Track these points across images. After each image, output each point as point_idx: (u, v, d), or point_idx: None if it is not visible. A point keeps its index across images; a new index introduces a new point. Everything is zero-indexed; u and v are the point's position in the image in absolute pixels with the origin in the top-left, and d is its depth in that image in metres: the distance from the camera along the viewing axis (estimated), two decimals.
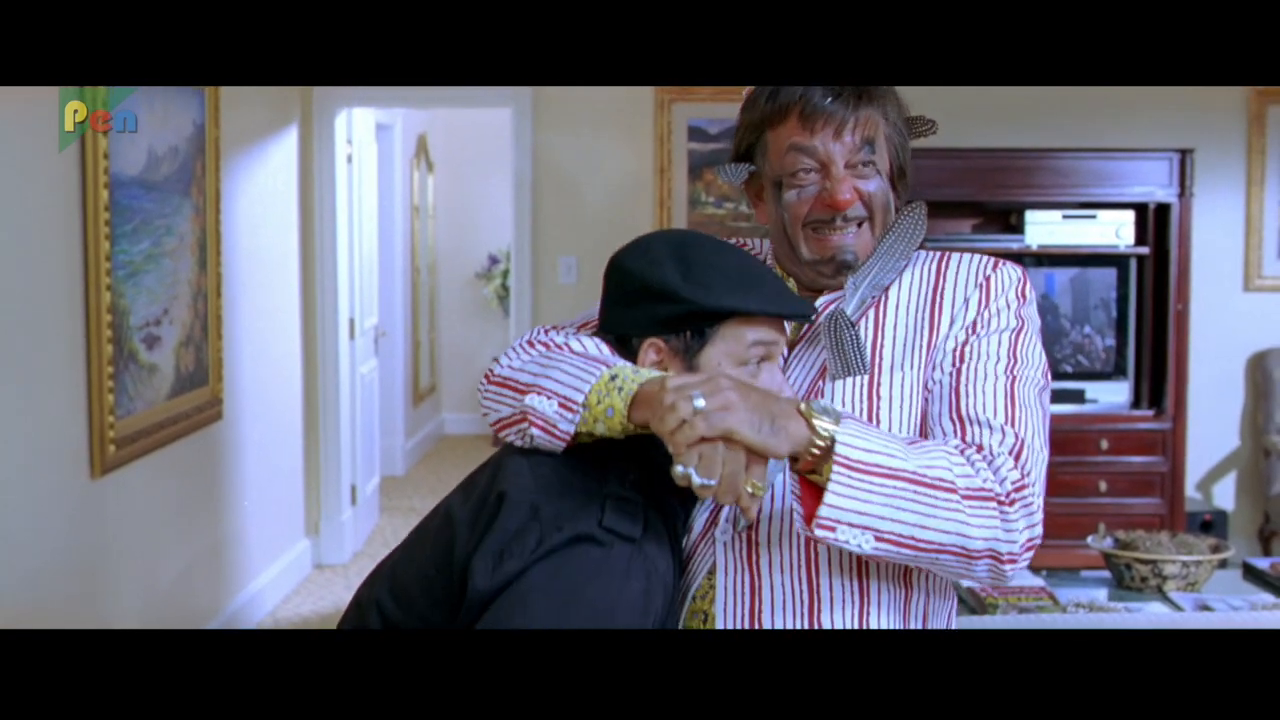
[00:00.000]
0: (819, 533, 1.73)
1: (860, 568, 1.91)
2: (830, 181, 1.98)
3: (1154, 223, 6.06)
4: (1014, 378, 1.92)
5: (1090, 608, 3.44)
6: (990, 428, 1.86)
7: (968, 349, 1.94)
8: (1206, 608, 3.54)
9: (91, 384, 4.21)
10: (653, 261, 1.91)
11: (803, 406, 1.73)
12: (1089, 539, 4.22)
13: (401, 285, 9.26)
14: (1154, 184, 6.00)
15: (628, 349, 1.93)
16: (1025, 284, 2.02)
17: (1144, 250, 6.06)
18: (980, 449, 1.84)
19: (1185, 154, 5.98)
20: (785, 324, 1.95)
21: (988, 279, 2.00)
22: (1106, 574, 4.02)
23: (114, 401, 4.30)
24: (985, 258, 2.04)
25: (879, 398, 1.94)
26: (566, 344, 1.96)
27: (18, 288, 3.85)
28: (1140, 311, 6.12)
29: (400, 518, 7.79)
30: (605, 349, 1.93)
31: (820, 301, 2.03)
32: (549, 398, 1.83)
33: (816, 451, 1.73)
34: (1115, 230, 6.05)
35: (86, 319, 4.18)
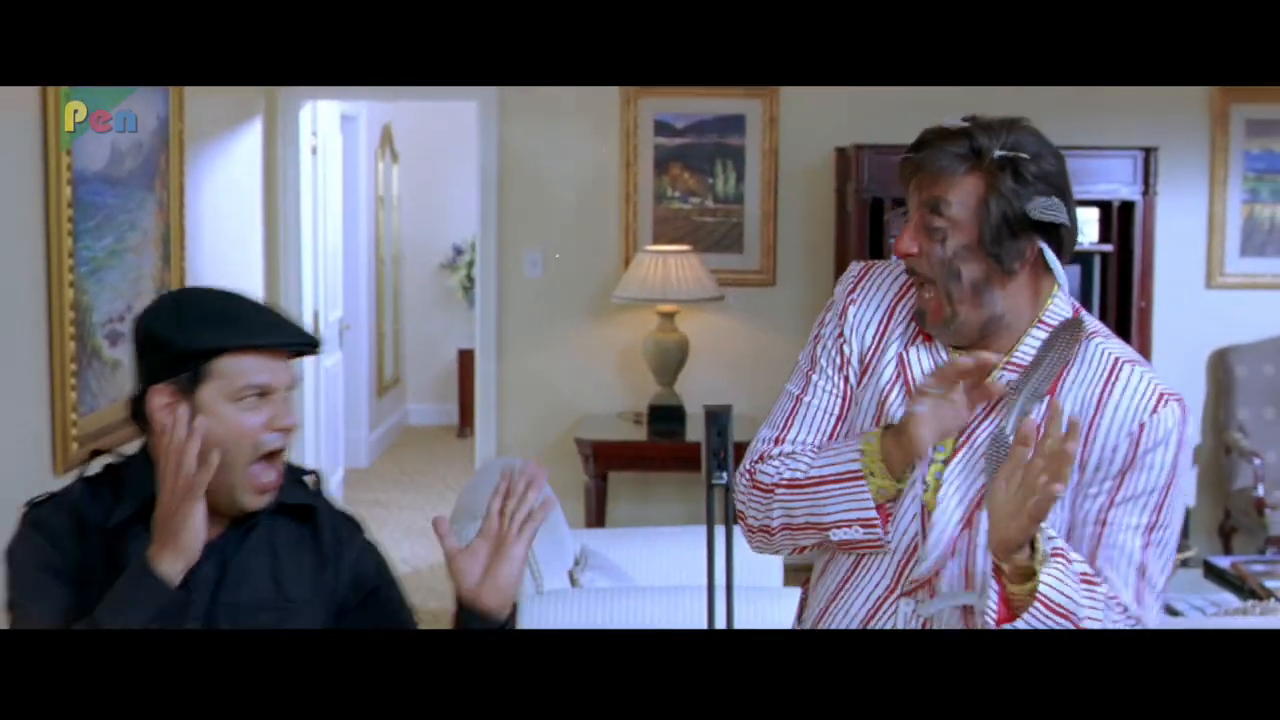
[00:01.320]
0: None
1: None
2: (903, 229, 2.10)
3: (1118, 220, 6.08)
4: (1148, 544, 2.05)
5: None
6: (1120, 605, 2.04)
7: (1111, 514, 2.05)
8: (1171, 609, 3.57)
9: (54, 381, 4.18)
10: (156, 314, 2.12)
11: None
12: None
13: (366, 277, 9.23)
14: (1118, 182, 6.02)
15: (143, 399, 2.11)
16: (1183, 427, 2.07)
17: (1108, 248, 6.09)
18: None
19: (1149, 152, 6.00)
20: (289, 364, 2.13)
21: (1141, 427, 2.04)
22: None
23: (77, 399, 4.27)
24: (1150, 389, 2.07)
25: None
26: (809, 475, 2.16)
27: None
28: (1104, 308, 6.14)
29: (365, 509, 7.71)
30: (835, 459, 2.13)
31: (980, 407, 2.09)
32: (850, 528, 2.11)
33: (1021, 566, 1.96)
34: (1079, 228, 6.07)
35: (49, 316, 4.15)
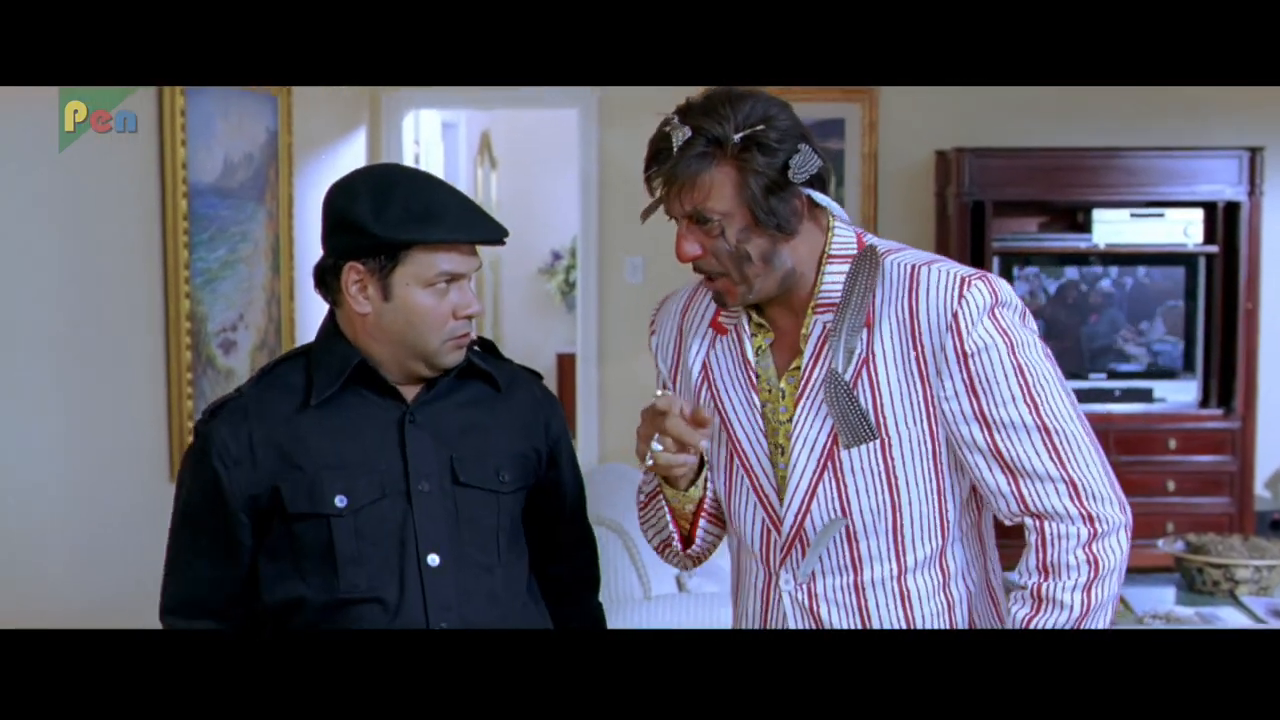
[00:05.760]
0: None
1: (906, 604, 2.11)
2: (678, 237, 2.11)
3: (1223, 221, 6.03)
4: (1035, 404, 2.02)
5: (1168, 619, 3.46)
6: (1043, 478, 2.02)
7: (985, 405, 2.03)
8: None
9: (171, 389, 4.29)
10: (352, 198, 2.21)
11: None
12: (1159, 542, 4.22)
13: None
14: (1223, 182, 5.97)
15: (335, 272, 2.23)
16: (996, 297, 2.05)
17: (1213, 249, 6.04)
18: (1047, 537, 2.03)
19: (1255, 152, 5.95)
20: (476, 253, 2.26)
21: (955, 316, 2.04)
22: (1175, 574, 4.02)
23: (193, 407, 4.37)
24: (951, 281, 2.06)
25: (892, 459, 2.09)
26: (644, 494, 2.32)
27: (101, 296, 3.93)
28: (1209, 310, 6.09)
29: None
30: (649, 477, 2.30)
31: (807, 355, 2.12)
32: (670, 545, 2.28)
33: None
34: (1184, 229, 6.03)
35: (166, 326, 4.26)
